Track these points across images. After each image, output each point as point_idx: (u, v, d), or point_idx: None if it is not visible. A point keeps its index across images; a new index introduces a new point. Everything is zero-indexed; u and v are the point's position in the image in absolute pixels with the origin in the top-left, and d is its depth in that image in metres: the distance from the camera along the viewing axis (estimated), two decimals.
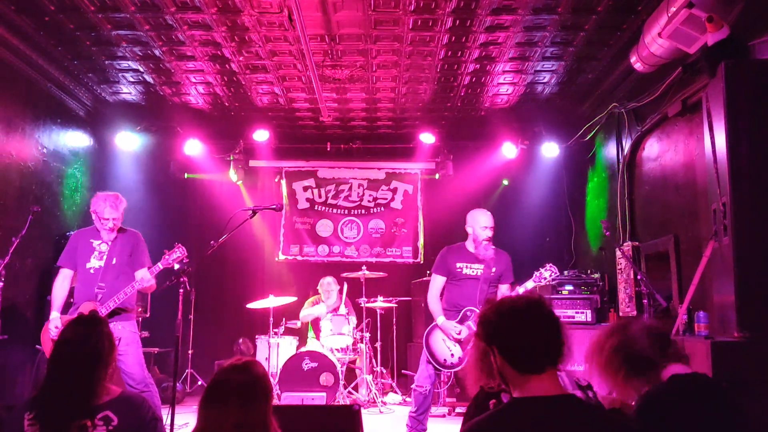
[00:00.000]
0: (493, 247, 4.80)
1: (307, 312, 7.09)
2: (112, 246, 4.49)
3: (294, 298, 6.99)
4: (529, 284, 4.79)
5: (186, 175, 8.46)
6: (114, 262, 4.44)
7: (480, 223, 4.78)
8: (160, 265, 4.32)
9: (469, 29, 5.52)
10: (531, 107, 7.49)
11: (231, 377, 1.99)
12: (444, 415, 6.27)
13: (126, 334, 4.30)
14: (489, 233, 4.76)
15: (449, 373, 6.03)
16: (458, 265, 4.80)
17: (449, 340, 4.67)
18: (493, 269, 4.77)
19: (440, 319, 4.71)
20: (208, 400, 1.98)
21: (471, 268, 4.79)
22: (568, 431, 1.64)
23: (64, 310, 4.62)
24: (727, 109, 3.33)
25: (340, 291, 7.26)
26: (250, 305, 6.91)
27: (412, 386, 4.81)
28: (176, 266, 4.28)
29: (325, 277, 7.34)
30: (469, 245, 4.86)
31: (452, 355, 4.67)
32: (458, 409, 6.02)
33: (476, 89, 6.99)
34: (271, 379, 6.17)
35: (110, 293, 4.29)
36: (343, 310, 6.89)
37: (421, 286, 7.58)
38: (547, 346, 1.73)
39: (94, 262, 4.45)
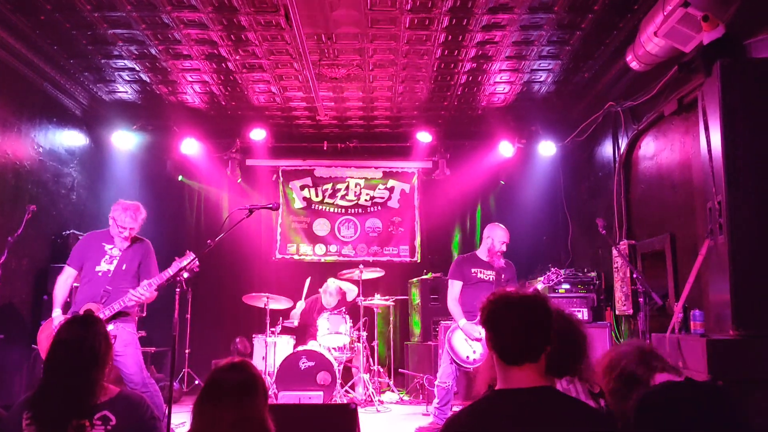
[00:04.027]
0: (503, 259, 5.39)
1: (294, 312, 7.08)
2: (124, 252, 4.49)
3: (290, 303, 6.97)
4: (539, 285, 5.39)
5: (180, 178, 8.45)
6: (124, 267, 4.44)
7: (499, 238, 5.35)
8: (169, 272, 4.24)
9: (466, 28, 5.52)
10: (528, 106, 7.50)
11: (227, 376, 1.99)
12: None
13: (124, 335, 4.29)
14: (504, 248, 5.37)
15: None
16: (473, 270, 5.33)
17: (471, 340, 5.12)
18: (503, 276, 5.30)
19: (462, 322, 5.16)
20: (204, 400, 1.98)
21: (484, 274, 5.33)
22: (544, 420, 1.68)
23: (64, 310, 4.61)
24: (723, 108, 3.33)
25: (340, 292, 7.25)
26: (247, 297, 6.88)
27: (436, 382, 5.33)
28: (185, 275, 4.13)
29: (329, 280, 7.24)
30: (482, 254, 5.41)
31: (474, 352, 5.14)
32: (454, 408, 6.03)
33: (473, 88, 6.99)
34: (268, 378, 6.21)
35: (115, 297, 4.28)
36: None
37: (419, 285, 7.59)
38: (522, 343, 1.79)
39: (104, 266, 4.43)
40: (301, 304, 7.13)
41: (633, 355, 2.33)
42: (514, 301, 1.85)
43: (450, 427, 1.78)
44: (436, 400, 5.29)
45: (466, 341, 5.15)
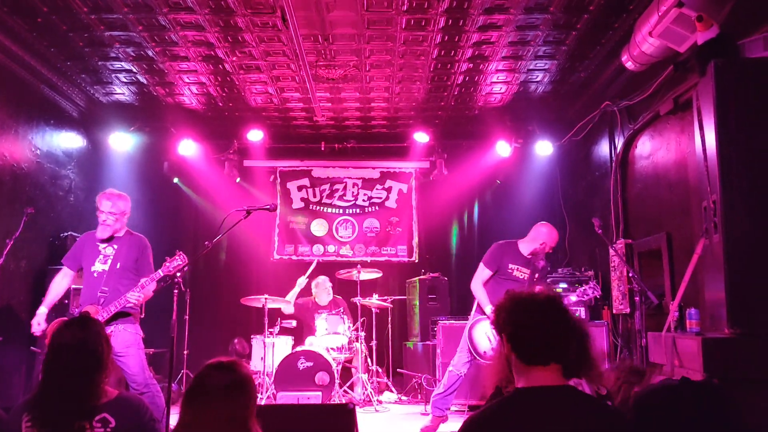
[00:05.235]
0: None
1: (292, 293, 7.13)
2: (117, 250, 4.45)
3: (289, 301, 7.00)
4: (573, 298, 5.15)
5: (175, 180, 8.45)
6: (118, 266, 4.40)
7: (551, 243, 5.19)
8: (160, 272, 4.27)
9: (462, 29, 5.54)
10: (524, 106, 7.51)
11: (214, 375, 1.99)
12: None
13: (127, 336, 4.28)
14: (551, 251, 5.26)
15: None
16: (511, 266, 5.14)
17: (492, 334, 4.92)
18: (536, 275, 5.14)
19: (489, 309, 4.95)
20: (189, 397, 1.99)
21: (521, 271, 5.15)
22: (566, 419, 1.68)
23: (61, 311, 4.60)
24: (717, 107, 3.34)
25: (335, 298, 7.31)
26: (245, 299, 6.90)
27: (449, 368, 5.16)
28: (177, 274, 4.20)
29: (319, 276, 7.36)
30: (524, 248, 5.18)
31: (492, 349, 4.93)
32: (454, 408, 6.04)
33: (469, 88, 7.01)
34: (267, 379, 6.21)
35: (113, 297, 4.26)
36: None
37: (417, 285, 7.60)
38: (551, 342, 1.80)
39: (99, 266, 4.41)
40: (293, 295, 7.17)
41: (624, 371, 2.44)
42: (539, 301, 1.85)
43: (471, 426, 1.74)
44: (440, 388, 5.18)
45: (487, 335, 5.04)
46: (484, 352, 5.06)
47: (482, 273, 5.17)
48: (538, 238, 5.17)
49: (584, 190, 7.55)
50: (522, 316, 1.83)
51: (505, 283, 5.07)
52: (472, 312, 5.29)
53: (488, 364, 5.14)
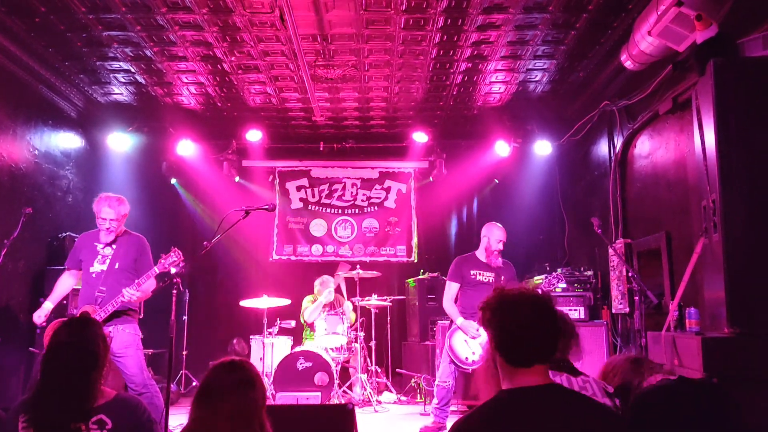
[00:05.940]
0: (501, 258, 5.42)
1: (312, 307, 7.06)
2: (116, 250, 4.46)
3: (288, 301, 6.98)
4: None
5: (173, 181, 8.43)
6: (117, 266, 4.41)
7: (495, 236, 5.41)
8: (156, 269, 4.29)
9: (461, 28, 5.53)
10: (523, 105, 7.51)
11: (225, 374, 2.01)
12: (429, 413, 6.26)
13: (125, 336, 4.29)
14: (501, 246, 5.40)
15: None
16: (472, 272, 5.36)
17: (471, 340, 5.16)
18: (502, 277, 5.33)
19: (459, 320, 5.21)
20: (201, 397, 1.99)
21: (483, 275, 5.36)
22: (557, 418, 1.66)
23: (60, 312, 4.59)
24: (716, 106, 3.33)
25: (338, 289, 7.29)
26: (243, 303, 6.90)
27: (436, 382, 5.38)
28: (173, 270, 4.24)
29: (324, 275, 7.34)
30: (480, 255, 5.44)
31: (474, 353, 5.15)
32: (453, 407, 6.03)
33: (468, 88, 7.00)
34: (266, 379, 6.20)
35: (110, 297, 4.26)
36: (348, 307, 6.96)
37: (416, 285, 7.60)
38: (536, 343, 1.76)
39: (97, 266, 4.42)
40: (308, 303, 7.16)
41: (624, 367, 2.42)
42: (522, 300, 1.79)
43: (459, 430, 1.72)
44: (435, 401, 5.31)
45: (466, 342, 5.18)
46: (466, 358, 5.18)
47: (450, 290, 5.39)
48: (482, 234, 5.50)
49: (583, 190, 7.54)
50: (503, 317, 1.78)
51: (474, 289, 5.28)
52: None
53: (474, 369, 5.21)
